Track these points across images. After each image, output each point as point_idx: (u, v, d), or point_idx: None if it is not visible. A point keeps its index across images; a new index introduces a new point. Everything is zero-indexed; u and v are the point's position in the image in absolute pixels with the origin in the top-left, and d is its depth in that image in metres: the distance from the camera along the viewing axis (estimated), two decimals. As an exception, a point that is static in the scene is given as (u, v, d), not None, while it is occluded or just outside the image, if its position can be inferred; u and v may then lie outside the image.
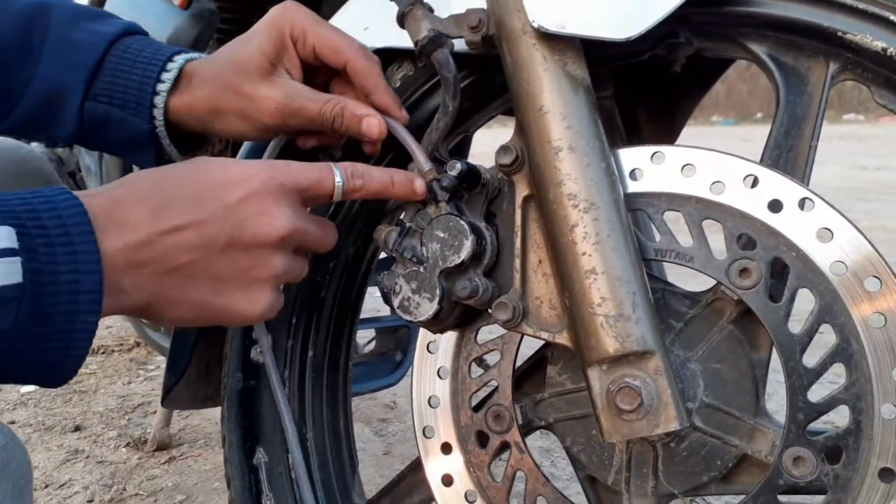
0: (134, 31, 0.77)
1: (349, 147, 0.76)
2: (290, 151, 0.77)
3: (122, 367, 2.64)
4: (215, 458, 1.86)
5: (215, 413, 2.06)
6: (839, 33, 0.63)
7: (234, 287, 0.58)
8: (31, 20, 0.73)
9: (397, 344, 1.59)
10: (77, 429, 2.08)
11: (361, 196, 0.65)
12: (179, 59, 0.74)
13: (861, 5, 0.61)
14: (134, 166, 0.84)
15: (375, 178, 0.65)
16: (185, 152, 0.78)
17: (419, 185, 0.66)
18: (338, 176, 0.62)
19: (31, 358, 0.50)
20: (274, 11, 0.71)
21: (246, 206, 0.57)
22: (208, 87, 0.72)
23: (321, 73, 0.74)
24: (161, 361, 2.63)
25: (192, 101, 0.72)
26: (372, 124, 0.69)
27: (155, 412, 2.03)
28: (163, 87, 0.72)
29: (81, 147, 1.20)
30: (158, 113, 0.72)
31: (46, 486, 1.72)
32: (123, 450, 1.93)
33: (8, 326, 0.47)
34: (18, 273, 0.47)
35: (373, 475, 1.70)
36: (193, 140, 0.80)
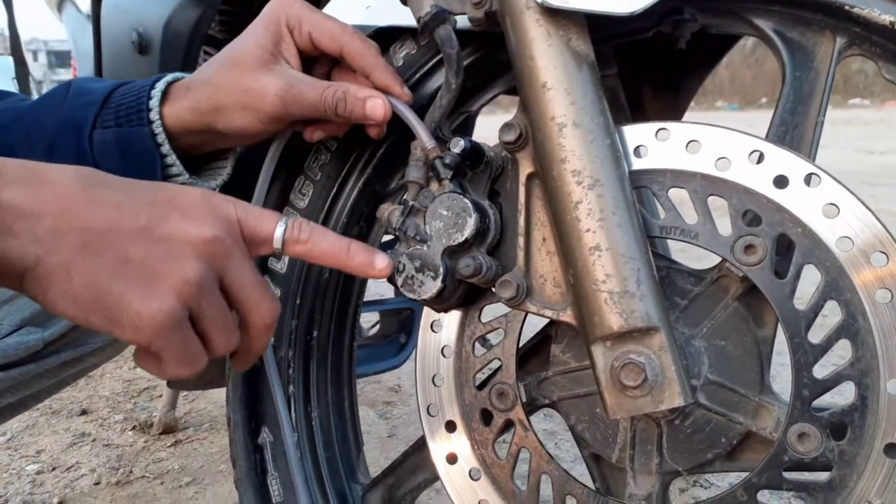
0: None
1: (354, 131, 0.76)
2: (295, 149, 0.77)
3: (128, 352, 2.65)
4: (221, 440, 1.87)
5: (220, 396, 2.08)
6: (846, 7, 0.62)
7: (135, 275, 0.51)
8: (58, 91, 0.77)
9: (401, 326, 1.59)
10: (84, 412, 2.09)
11: (305, 256, 0.61)
12: (173, 74, 0.76)
13: (869, -22, 0.61)
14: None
15: (327, 240, 0.61)
16: (195, 174, 0.78)
17: (381, 262, 0.63)
18: (281, 225, 0.59)
19: None
20: (269, 5, 0.72)
21: (176, 205, 0.54)
22: (209, 87, 0.72)
23: (321, 64, 0.74)
24: (166, 346, 2.63)
25: (194, 103, 0.73)
26: (377, 105, 0.69)
27: (161, 396, 2.04)
28: (154, 93, 0.73)
29: None
30: (154, 115, 0.73)
31: (54, 469, 1.73)
32: (130, 433, 1.95)
33: None
34: None
35: (377, 457, 1.71)
36: (204, 163, 0.81)
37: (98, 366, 0.98)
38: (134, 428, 1.96)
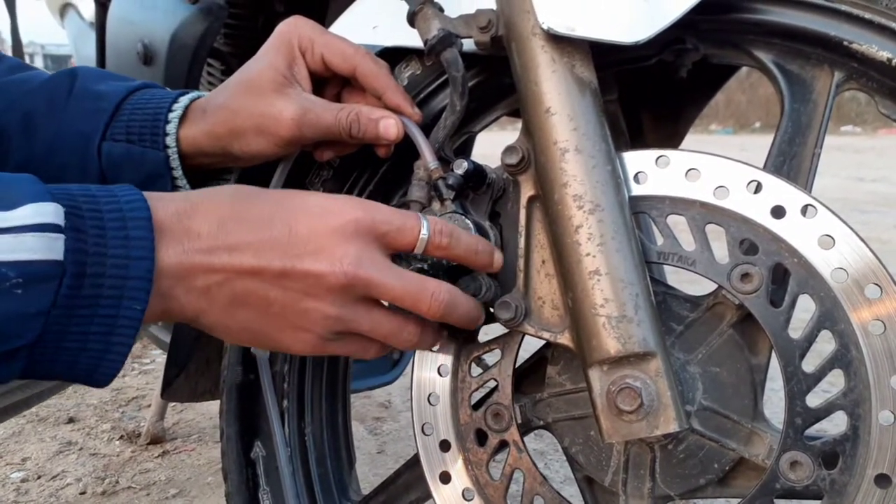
0: (153, 85, 0.80)
1: (360, 152, 0.77)
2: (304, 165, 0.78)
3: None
4: (209, 452, 1.86)
5: (209, 408, 2.07)
6: (845, 43, 0.63)
7: (280, 317, 0.56)
8: (59, 83, 0.76)
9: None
10: (71, 421, 2.08)
11: (442, 255, 0.62)
12: (190, 94, 0.76)
13: (867, 15, 0.62)
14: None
15: (462, 242, 0.62)
16: (196, 185, 0.79)
17: (498, 259, 0.66)
18: (424, 228, 0.60)
19: (73, 345, 0.49)
20: (280, 27, 0.73)
21: (312, 238, 0.56)
22: (225, 111, 0.73)
23: (331, 85, 0.75)
24: (157, 356, 2.62)
25: (210, 127, 0.73)
26: (389, 125, 0.70)
27: (149, 406, 2.03)
28: (173, 116, 0.74)
29: None
30: (171, 141, 0.73)
31: (39, 478, 1.72)
32: (117, 443, 1.93)
33: (47, 306, 0.46)
34: (60, 250, 0.46)
35: (366, 473, 1.70)
36: (206, 179, 0.81)
37: (44, 400, 0.99)
38: (121, 437, 1.95)
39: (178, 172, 0.74)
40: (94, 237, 0.48)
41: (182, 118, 0.74)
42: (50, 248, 0.46)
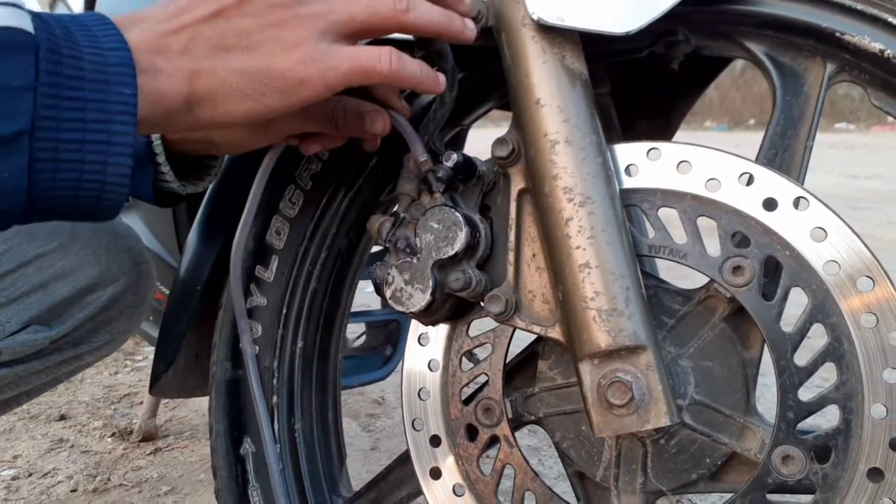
0: None
1: (349, 145, 0.76)
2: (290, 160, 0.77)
3: (110, 358, 2.62)
4: (201, 449, 1.85)
5: (202, 404, 2.06)
6: (837, 34, 0.63)
7: (266, 40, 0.54)
8: None
9: (387, 338, 1.59)
10: (62, 418, 2.06)
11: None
12: None
13: (859, 6, 0.61)
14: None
15: None
16: (181, 179, 0.78)
17: None
18: None
19: (73, 135, 0.48)
20: None
21: None
22: None
23: None
24: (148, 353, 2.61)
25: None
26: (376, 119, 0.69)
27: (141, 403, 2.02)
28: None
29: None
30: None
31: (30, 475, 1.71)
32: (109, 440, 1.92)
33: (31, 79, 0.46)
34: (28, 23, 0.46)
35: (359, 470, 1.69)
36: (191, 168, 0.80)
37: (92, 364, 0.99)
38: (113, 435, 1.94)
39: (161, 158, 0.73)
40: (62, 30, 0.48)
41: None
42: (18, 19, 0.46)
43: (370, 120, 0.68)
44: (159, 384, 0.89)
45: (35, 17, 0.47)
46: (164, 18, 0.53)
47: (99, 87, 0.48)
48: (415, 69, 0.60)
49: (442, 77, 0.64)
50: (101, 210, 0.51)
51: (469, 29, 0.62)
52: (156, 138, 0.72)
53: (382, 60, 0.56)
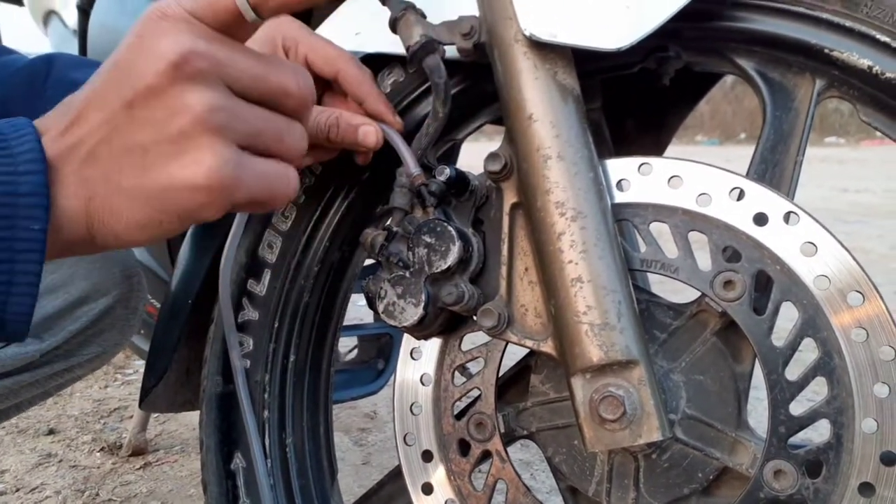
0: None
1: (342, 159, 0.76)
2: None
3: (100, 371, 2.60)
4: (191, 464, 1.83)
5: (192, 419, 2.04)
6: (826, 50, 0.63)
7: (161, 152, 0.46)
8: (36, 69, 0.75)
9: (379, 352, 1.58)
10: (51, 432, 2.05)
11: (280, 5, 0.50)
12: None
13: (848, 23, 0.62)
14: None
15: None
16: None
17: None
18: None
19: None
20: (266, 24, 0.72)
21: (130, 53, 0.47)
22: None
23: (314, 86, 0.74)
24: (139, 366, 2.59)
25: None
26: (369, 133, 0.69)
27: (131, 417, 2.00)
28: None
29: None
30: None
31: (17, 490, 1.69)
32: (98, 454, 1.90)
33: None
34: None
35: (351, 485, 1.68)
36: None
37: (83, 377, 0.98)
38: (102, 449, 1.92)
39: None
40: None
41: None
42: None
43: (363, 133, 0.69)
44: (150, 398, 0.88)
45: None
46: (60, 130, 0.47)
47: (5, 224, 0.44)
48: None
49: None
50: (3, 337, 0.48)
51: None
52: None
53: (291, 185, 0.51)
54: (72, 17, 1.58)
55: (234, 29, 0.49)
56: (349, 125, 0.69)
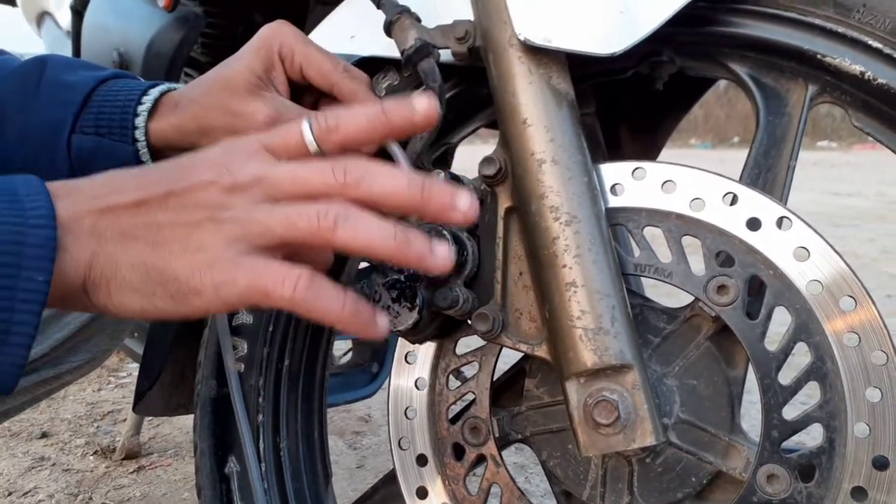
0: (124, 75, 0.78)
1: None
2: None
3: (93, 374, 2.59)
4: (185, 467, 1.83)
5: (186, 422, 2.04)
6: (818, 56, 0.64)
7: (172, 239, 0.49)
8: (29, 71, 0.75)
9: (374, 355, 1.58)
10: (44, 435, 2.04)
11: (343, 140, 0.53)
12: (161, 86, 0.75)
13: (840, 29, 0.63)
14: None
15: (358, 116, 0.53)
16: None
17: (421, 103, 0.53)
18: (305, 123, 0.53)
19: None
20: (263, 30, 0.72)
21: (194, 162, 0.52)
22: (197, 107, 0.72)
23: (309, 93, 0.74)
24: (133, 369, 2.58)
25: (180, 121, 0.72)
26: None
27: (125, 420, 1.99)
28: (143, 109, 0.72)
29: None
30: (140, 135, 0.72)
31: (10, 494, 1.68)
32: (91, 458, 1.89)
33: None
34: None
35: (345, 489, 1.68)
36: None
37: (73, 382, 0.97)
38: (95, 453, 1.91)
39: (149, 166, 0.73)
40: None
41: (152, 111, 0.73)
42: None
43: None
44: (143, 402, 0.88)
45: None
46: (92, 196, 0.50)
47: (8, 273, 0.44)
48: (331, 302, 0.50)
49: (382, 319, 0.53)
50: None
51: (440, 258, 0.52)
52: (142, 146, 0.72)
53: (286, 284, 0.48)
54: (65, 18, 1.57)
55: (300, 158, 0.53)
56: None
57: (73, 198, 0.49)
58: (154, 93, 0.74)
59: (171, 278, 0.48)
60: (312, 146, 0.52)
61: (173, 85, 0.76)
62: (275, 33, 0.71)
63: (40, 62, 0.75)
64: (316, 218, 0.48)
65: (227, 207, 0.49)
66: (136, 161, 0.73)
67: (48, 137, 0.73)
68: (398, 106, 0.53)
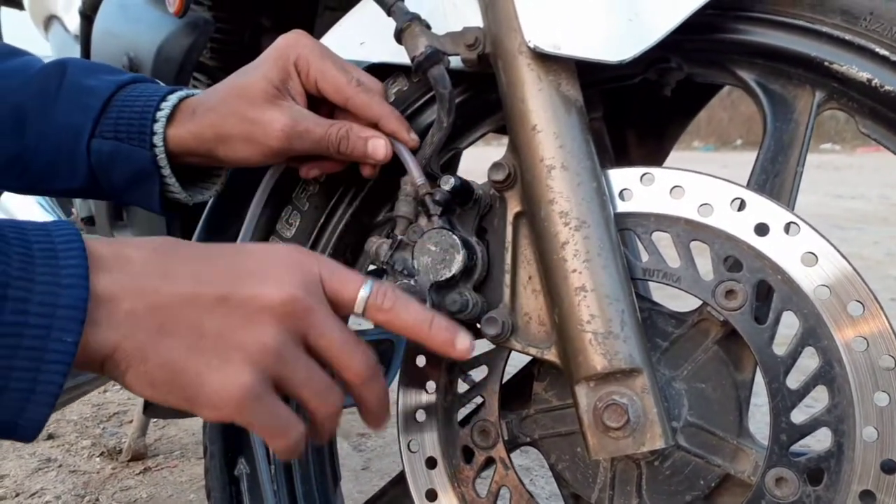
0: (144, 80, 0.79)
1: (348, 170, 0.77)
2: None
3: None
4: (191, 469, 1.84)
5: (192, 424, 2.04)
6: (826, 63, 0.64)
7: (212, 349, 0.49)
8: (50, 75, 0.76)
9: (381, 358, 1.58)
10: (50, 437, 2.04)
11: (385, 322, 0.56)
12: (179, 92, 0.76)
13: (847, 36, 0.63)
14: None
15: (410, 311, 0.57)
16: (187, 187, 0.78)
17: (462, 343, 0.57)
18: (366, 287, 0.55)
19: None
20: (280, 41, 0.72)
21: (256, 267, 0.52)
22: (214, 115, 0.72)
23: (326, 104, 0.75)
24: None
25: (198, 129, 0.73)
26: (378, 146, 0.69)
27: (131, 422, 2.00)
28: (161, 115, 0.73)
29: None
30: (158, 140, 0.73)
31: (17, 495, 1.69)
32: (97, 459, 1.90)
33: None
34: None
35: (351, 490, 1.69)
36: (197, 176, 0.81)
37: (88, 392, 0.97)
38: (102, 454, 1.92)
39: (166, 171, 0.74)
40: (20, 261, 0.43)
41: (171, 117, 0.74)
42: None
43: (372, 146, 0.69)
44: (152, 404, 0.89)
45: None
46: (137, 273, 0.48)
47: (39, 335, 0.43)
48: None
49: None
50: (9, 438, 0.47)
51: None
52: (160, 151, 0.73)
53: (283, 442, 0.53)
54: (74, 23, 1.58)
55: (340, 307, 0.55)
56: (359, 137, 0.69)
57: (120, 273, 0.48)
58: (172, 99, 0.74)
59: (193, 387, 0.48)
60: (359, 310, 0.55)
61: (191, 91, 0.77)
62: (292, 44, 0.71)
63: (61, 66, 0.76)
64: (330, 402, 0.55)
65: (276, 334, 0.50)
66: (154, 166, 0.74)
67: (68, 141, 0.74)
68: (446, 331, 0.57)
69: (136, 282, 0.48)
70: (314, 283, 0.53)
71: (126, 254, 0.49)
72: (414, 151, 0.70)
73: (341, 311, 0.56)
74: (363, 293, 0.55)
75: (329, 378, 0.55)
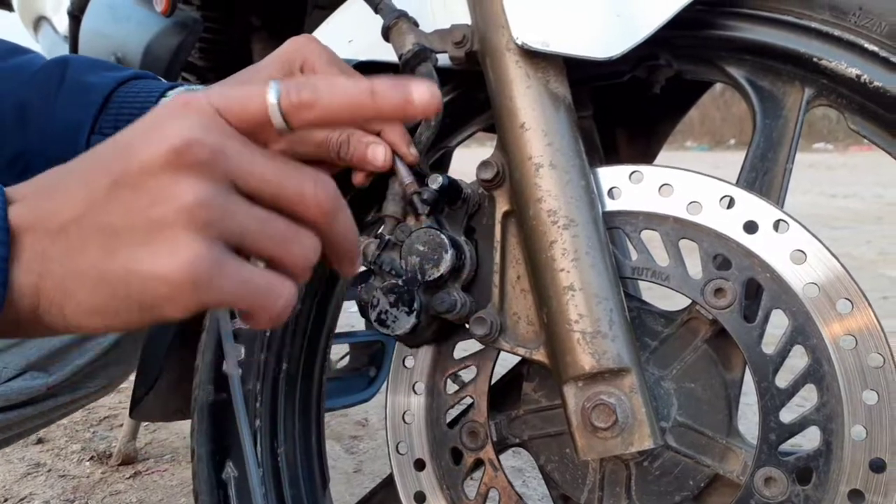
0: (145, 76, 0.78)
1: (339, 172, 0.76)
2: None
3: (89, 379, 2.58)
4: (181, 473, 1.82)
5: (183, 427, 2.03)
6: (815, 59, 0.64)
7: (133, 238, 0.41)
8: (51, 72, 0.76)
9: (371, 360, 1.58)
10: (39, 441, 2.03)
11: (318, 119, 0.44)
12: (180, 88, 0.75)
13: (836, 32, 0.63)
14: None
15: (339, 88, 0.44)
16: None
17: (419, 90, 0.44)
18: (272, 92, 0.43)
19: None
20: (289, 43, 0.71)
21: (134, 132, 0.43)
22: None
23: None
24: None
25: None
26: (378, 151, 0.68)
27: (121, 425, 1.99)
28: None
29: None
30: None
31: (6, 501, 1.67)
32: (87, 463, 1.89)
33: None
34: None
35: (342, 493, 1.68)
36: None
37: (86, 405, 0.97)
38: (92, 458, 1.91)
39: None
40: None
41: None
42: None
43: (372, 152, 0.68)
44: (140, 407, 0.88)
45: None
46: (34, 199, 0.43)
47: None
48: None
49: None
50: None
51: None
52: None
53: (280, 300, 0.43)
54: (63, 23, 1.57)
55: (259, 133, 0.45)
56: (360, 142, 0.68)
57: (23, 203, 0.42)
58: (172, 94, 0.74)
59: (135, 290, 0.41)
60: (277, 120, 0.44)
61: (193, 86, 0.76)
62: (300, 48, 0.70)
63: (63, 63, 0.76)
64: (305, 245, 0.44)
65: (189, 188, 0.40)
66: None
67: (69, 138, 0.73)
68: (392, 89, 0.44)
69: (31, 213, 0.42)
70: (209, 117, 0.43)
71: (19, 190, 0.43)
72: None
73: (260, 135, 0.45)
74: (271, 98, 0.43)
75: (288, 220, 0.44)
